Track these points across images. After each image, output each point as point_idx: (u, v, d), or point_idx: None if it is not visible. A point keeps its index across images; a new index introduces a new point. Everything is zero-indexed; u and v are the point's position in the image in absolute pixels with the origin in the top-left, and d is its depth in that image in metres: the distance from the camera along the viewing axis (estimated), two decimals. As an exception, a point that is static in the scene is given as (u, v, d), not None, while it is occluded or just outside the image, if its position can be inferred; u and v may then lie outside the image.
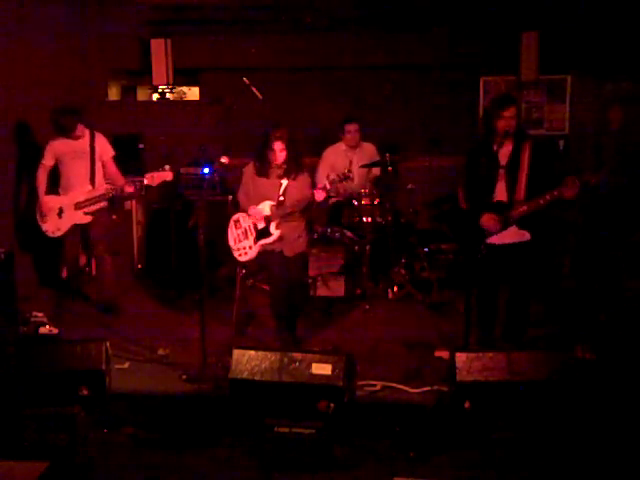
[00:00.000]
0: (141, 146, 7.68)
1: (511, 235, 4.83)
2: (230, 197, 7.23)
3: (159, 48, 7.94)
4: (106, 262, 6.05)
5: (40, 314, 5.57)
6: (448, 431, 4.06)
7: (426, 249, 6.73)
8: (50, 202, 5.91)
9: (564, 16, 7.46)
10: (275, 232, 5.29)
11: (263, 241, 5.33)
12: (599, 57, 7.47)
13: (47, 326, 5.44)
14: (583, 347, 4.81)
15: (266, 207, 5.33)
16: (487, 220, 4.84)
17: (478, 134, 7.25)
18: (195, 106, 8.42)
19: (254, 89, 7.04)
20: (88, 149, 5.90)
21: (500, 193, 4.85)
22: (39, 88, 6.73)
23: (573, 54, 7.59)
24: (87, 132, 5.92)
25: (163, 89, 9.08)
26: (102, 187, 5.93)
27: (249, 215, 5.38)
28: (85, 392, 4.18)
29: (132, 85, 9.48)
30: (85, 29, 7.74)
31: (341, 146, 6.99)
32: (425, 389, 4.55)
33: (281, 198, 5.30)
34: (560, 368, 4.06)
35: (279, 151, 5.27)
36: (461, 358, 4.09)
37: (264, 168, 5.36)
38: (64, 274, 6.73)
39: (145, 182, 5.64)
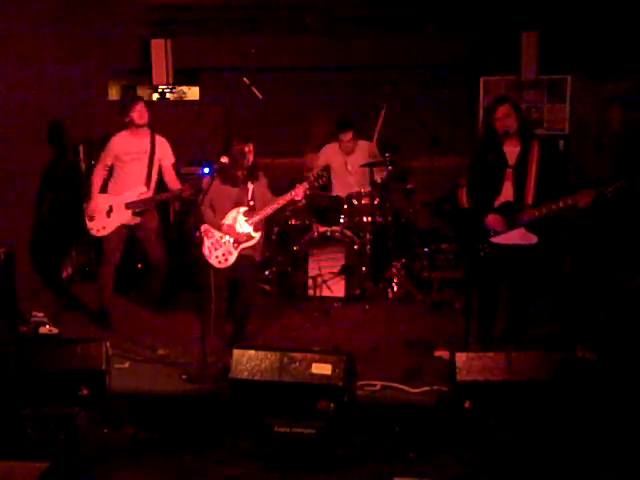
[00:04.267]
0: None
1: (518, 237, 4.77)
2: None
3: (159, 48, 7.94)
4: (161, 266, 5.96)
5: (40, 314, 5.58)
6: (448, 431, 4.06)
7: (426, 249, 6.73)
8: (102, 201, 5.80)
9: (564, 16, 7.46)
10: (256, 235, 5.40)
11: (244, 245, 5.38)
12: (599, 57, 7.46)
13: (47, 326, 5.45)
14: (583, 347, 4.81)
15: (238, 214, 5.41)
16: (493, 220, 4.78)
17: (480, 134, 7.27)
18: (195, 106, 8.41)
19: (254, 89, 7.04)
20: (148, 150, 5.83)
21: (507, 193, 4.79)
22: (39, 88, 6.74)
23: (573, 54, 7.58)
24: (149, 133, 5.86)
25: (163, 89, 9.07)
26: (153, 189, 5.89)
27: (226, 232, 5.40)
28: (85, 392, 4.18)
29: (132, 85, 9.47)
30: (85, 29, 7.74)
31: (336, 146, 6.99)
32: (425, 389, 4.55)
33: (251, 202, 5.37)
34: (560, 368, 4.06)
35: (249, 153, 5.34)
36: (461, 358, 4.09)
37: (232, 175, 5.38)
38: (64, 275, 6.77)
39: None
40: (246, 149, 5.32)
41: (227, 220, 5.46)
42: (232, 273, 5.47)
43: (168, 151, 5.94)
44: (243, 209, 5.42)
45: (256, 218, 5.41)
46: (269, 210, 5.44)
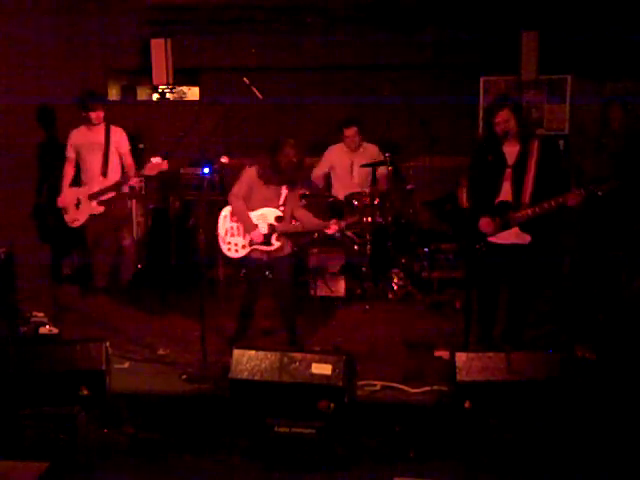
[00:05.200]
0: (141, 146, 7.69)
1: (511, 236, 4.82)
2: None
3: (159, 48, 7.93)
4: (129, 248, 6.42)
5: (40, 314, 5.57)
6: (448, 431, 4.06)
7: (426, 249, 6.73)
8: (70, 194, 6.27)
9: (564, 16, 7.45)
10: (276, 243, 5.25)
11: (258, 247, 5.25)
12: (599, 57, 7.46)
13: (47, 326, 5.44)
14: (583, 347, 4.82)
15: (266, 217, 5.25)
16: (484, 224, 4.84)
17: (481, 134, 7.28)
18: (195, 106, 8.41)
19: (254, 89, 7.03)
20: (103, 141, 6.28)
21: (506, 193, 4.83)
22: (39, 88, 6.74)
23: (573, 54, 7.58)
24: (103, 124, 6.30)
25: (163, 89, 9.07)
26: (113, 178, 6.27)
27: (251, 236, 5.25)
28: (85, 392, 4.18)
29: (132, 85, 9.46)
30: (85, 29, 7.74)
31: (343, 147, 6.99)
32: (425, 389, 4.55)
33: (281, 208, 5.23)
34: (560, 368, 4.06)
35: (293, 157, 5.12)
36: (461, 358, 4.10)
37: (271, 174, 5.20)
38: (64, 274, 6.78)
39: (145, 172, 6.03)
40: (294, 158, 5.14)
41: (254, 217, 5.27)
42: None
43: (123, 138, 6.40)
44: (274, 214, 5.25)
45: (282, 229, 5.26)
46: (299, 228, 5.36)
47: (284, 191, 5.25)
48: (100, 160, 6.26)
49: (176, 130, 7.33)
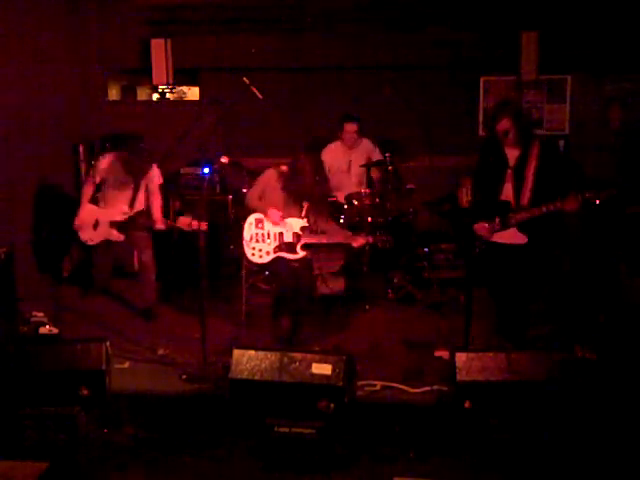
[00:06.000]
0: (141, 146, 7.67)
1: (508, 236, 4.88)
2: (230, 197, 7.23)
3: (159, 48, 7.93)
4: (150, 270, 6.07)
5: (40, 314, 5.57)
6: (448, 431, 4.06)
7: (426, 249, 6.73)
8: (89, 212, 5.99)
9: (564, 16, 7.45)
10: (300, 253, 5.48)
11: (284, 254, 5.45)
12: (599, 57, 7.47)
13: (47, 326, 5.44)
14: (583, 347, 4.82)
15: (296, 226, 5.46)
16: (479, 228, 4.92)
17: (484, 136, 7.28)
18: (195, 106, 8.41)
19: (254, 89, 7.03)
20: (136, 173, 6.01)
21: (507, 194, 4.92)
22: (39, 88, 6.73)
23: (573, 54, 7.58)
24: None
25: (163, 89, 9.07)
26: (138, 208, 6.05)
27: (267, 216, 5.45)
28: (85, 392, 4.18)
29: (132, 85, 9.47)
30: (85, 29, 7.74)
31: (339, 145, 6.98)
32: (425, 389, 4.56)
33: (304, 220, 5.46)
34: (560, 368, 4.06)
35: (310, 173, 5.42)
36: (461, 358, 4.09)
37: (290, 185, 5.47)
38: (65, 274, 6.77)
39: (177, 224, 5.70)
40: (311, 175, 5.43)
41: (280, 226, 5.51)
42: (261, 269, 5.69)
43: (157, 173, 6.11)
44: (299, 224, 5.49)
45: (306, 241, 5.48)
46: (323, 240, 5.54)
47: (304, 204, 5.49)
48: (129, 191, 6.01)
49: (176, 130, 7.37)
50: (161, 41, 7.93)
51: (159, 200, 6.11)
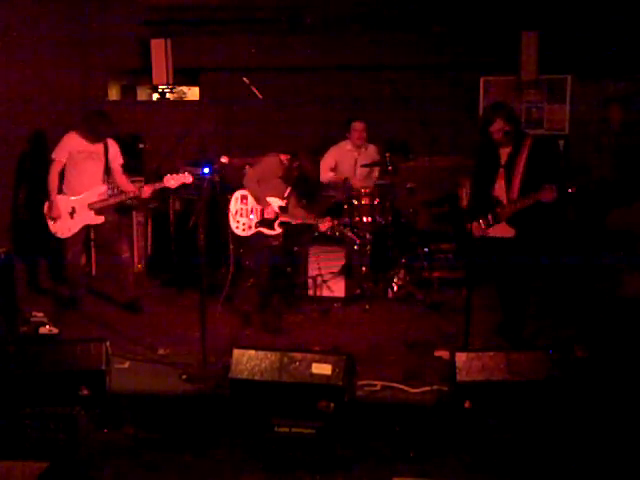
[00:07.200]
0: (141, 146, 7.69)
1: (498, 230, 5.08)
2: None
3: (159, 48, 7.94)
4: (127, 261, 6.08)
5: (40, 314, 5.57)
6: (448, 431, 4.06)
7: (426, 249, 6.73)
8: (62, 202, 5.87)
9: (564, 16, 7.46)
10: (277, 230, 6.02)
11: (263, 230, 5.98)
12: (599, 57, 7.47)
13: (47, 326, 5.44)
14: (582, 346, 4.82)
15: (275, 205, 5.98)
16: (473, 228, 5.13)
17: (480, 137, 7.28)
18: (195, 106, 8.41)
19: (254, 89, 7.03)
20: (102, 150, 5.92)
21: (500, 191, 5.10)
22: (39, 88, 6.74)
23: (573, 54, 7.59)
24: None
25: (163, 89, 9.07)
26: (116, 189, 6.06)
27: (265, 208, 5.96)
28: (85, 392, 4.18)
29: (132, 85, 9.47)
30: (85, 29, 7.75)
31: (346, 145, 7.00)
32: (425, 389, 4.55)
33: (284, 202, 6.01)
34: (560, 368, 4.06)
35: (295, 168, 5.92)
36: (461, 358, 4.09)
37: (289, 178, 5.99)
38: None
39: (164, 184, 5.83)
40: (294, 164, 5.93)
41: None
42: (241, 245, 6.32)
43: (118, 152, 6.05)
44: (278, 204, 6.00)
45: (282, 219, 6.01)
46: (292, 222, 6.08)
47: (288, 188, 6.01)
48: (100, 169, 5.91)
49: (176, 130, 7.37)
50: (161, 41, 7.94)
51: (124, 177, 6.07)
